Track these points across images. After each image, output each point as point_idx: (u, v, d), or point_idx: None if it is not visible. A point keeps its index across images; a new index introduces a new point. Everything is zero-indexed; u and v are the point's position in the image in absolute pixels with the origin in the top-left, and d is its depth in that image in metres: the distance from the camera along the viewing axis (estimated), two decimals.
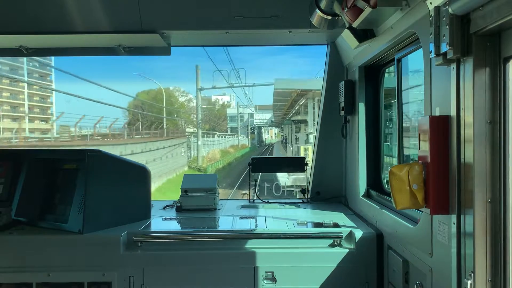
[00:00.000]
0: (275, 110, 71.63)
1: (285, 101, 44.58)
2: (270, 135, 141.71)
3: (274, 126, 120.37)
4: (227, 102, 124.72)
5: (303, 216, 4.13)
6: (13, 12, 3.91)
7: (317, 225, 3.74)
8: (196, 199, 4.46)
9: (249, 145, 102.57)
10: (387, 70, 4.02)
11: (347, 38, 3.48)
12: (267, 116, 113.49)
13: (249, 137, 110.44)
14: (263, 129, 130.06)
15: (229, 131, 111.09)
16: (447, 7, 2.10)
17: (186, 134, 61.08)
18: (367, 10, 2.73)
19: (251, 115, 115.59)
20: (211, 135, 74.75)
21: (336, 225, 3.68)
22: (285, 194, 5.49)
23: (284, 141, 74.82)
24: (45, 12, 3.92)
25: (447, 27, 2.11)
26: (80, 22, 3.95)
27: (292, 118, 52.08)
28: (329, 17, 3.29)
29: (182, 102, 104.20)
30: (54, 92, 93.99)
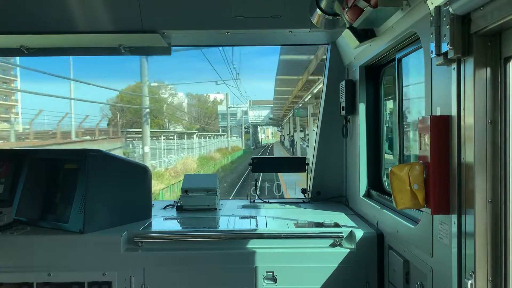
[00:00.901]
0: (276, 102, 59.92)
1: (296, 75, 31.70)
2: (267, 135, 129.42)
3: (271, 124, 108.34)
4: (221, 100, 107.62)
5: (304, 216, 4.12)
6: (13, 12, 3.91)
7: (318, 225, 3.74)
8: (197, 199, 4.46)
9: (243, 147, 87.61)
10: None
11: (347, 38, 3.48)
12: (263, 113, 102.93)
13: (243, 137, 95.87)
14: (259, 128, 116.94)
15: (220, 130, 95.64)
16: (447, 7, 2.10)
17: (130, 134, 42.91)
18: (368, 10, 2.73)
19: (245, 112, 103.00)
20: (184, 136, 54.92)
21: (336, 225, 3.68)
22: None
23: (290, 141, 60.61)
24: (46, 12, 3.93)
25: (447, 27, 2.11)
26: (80, 22, 3.95)
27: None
28: (330, 17, 3.29)
29: (164, 98, 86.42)
30: (19, 87, 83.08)
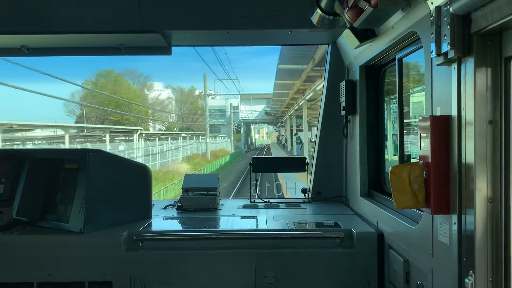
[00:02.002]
0: (277, 98, 48.15)
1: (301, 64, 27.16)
2: (261, 135, 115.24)
3: (266, 122, 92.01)
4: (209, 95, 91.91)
5: (304, 216, 4.13)
6: (14, 12, 3.91)
7: (318, 225, 3.74)
8: (197, 199, 4.46)
9: (232, 150, 69.62)
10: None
11: (348, 38, 3.48)
12: (257, 109, 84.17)
13: (232, 137, 76.63)
14: (252, 127, 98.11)
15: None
16: (448, 7, 2.10)
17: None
18: (368, 10, 2.73)
19: (236, 107, 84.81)
20: (124, 136, 37.66)
21: (336, 225, 3.68)
22: None
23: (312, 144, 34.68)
24: (46, 12, 3.93)
25: (448, 27, 2.11)
26: (81, 22, 3.96)
27: None
28: (330, 17, 3.29)
29: (136, 89, 68.58)
30: None
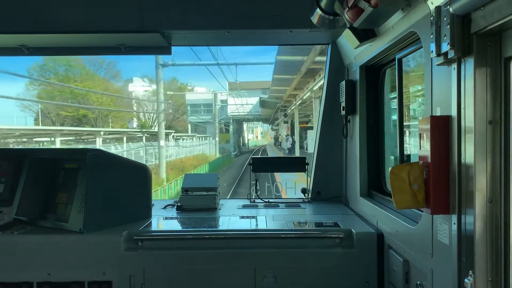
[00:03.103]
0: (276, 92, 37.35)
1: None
2: (255, 135, 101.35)
3: (261, 120, 76.99)
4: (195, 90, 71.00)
5: (304, 216, 4.13)
6: (14, 12, 3.91)
7: (318, 225, 3.74)
8: (197, 199, 4.46)
9: (217, 154, 56.04)
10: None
11: (348, 38, 3.48)
12: (251, 101, 66.26)
13: (217, 138, 59.81)
14: (244, 125, 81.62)
15: (190, 129, 65.62)
16: (448, 7, 2.10)
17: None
18: (368, 10, 2.73)
19: (223, 101, 69.68)
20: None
21: (336, 225, 3.69)
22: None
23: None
24: (46, 12, 3.93)
25: (448, 27, 2.11)
26: (81, 22, 3.96)
27: None
28: (330, 17, 3.29)
29: (96, 75, 54.27)
30: None
